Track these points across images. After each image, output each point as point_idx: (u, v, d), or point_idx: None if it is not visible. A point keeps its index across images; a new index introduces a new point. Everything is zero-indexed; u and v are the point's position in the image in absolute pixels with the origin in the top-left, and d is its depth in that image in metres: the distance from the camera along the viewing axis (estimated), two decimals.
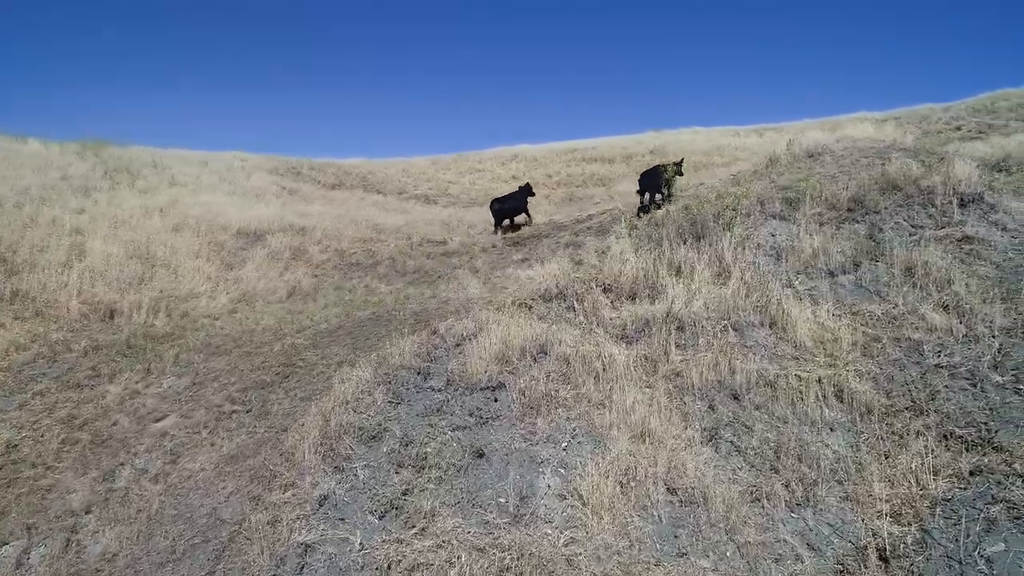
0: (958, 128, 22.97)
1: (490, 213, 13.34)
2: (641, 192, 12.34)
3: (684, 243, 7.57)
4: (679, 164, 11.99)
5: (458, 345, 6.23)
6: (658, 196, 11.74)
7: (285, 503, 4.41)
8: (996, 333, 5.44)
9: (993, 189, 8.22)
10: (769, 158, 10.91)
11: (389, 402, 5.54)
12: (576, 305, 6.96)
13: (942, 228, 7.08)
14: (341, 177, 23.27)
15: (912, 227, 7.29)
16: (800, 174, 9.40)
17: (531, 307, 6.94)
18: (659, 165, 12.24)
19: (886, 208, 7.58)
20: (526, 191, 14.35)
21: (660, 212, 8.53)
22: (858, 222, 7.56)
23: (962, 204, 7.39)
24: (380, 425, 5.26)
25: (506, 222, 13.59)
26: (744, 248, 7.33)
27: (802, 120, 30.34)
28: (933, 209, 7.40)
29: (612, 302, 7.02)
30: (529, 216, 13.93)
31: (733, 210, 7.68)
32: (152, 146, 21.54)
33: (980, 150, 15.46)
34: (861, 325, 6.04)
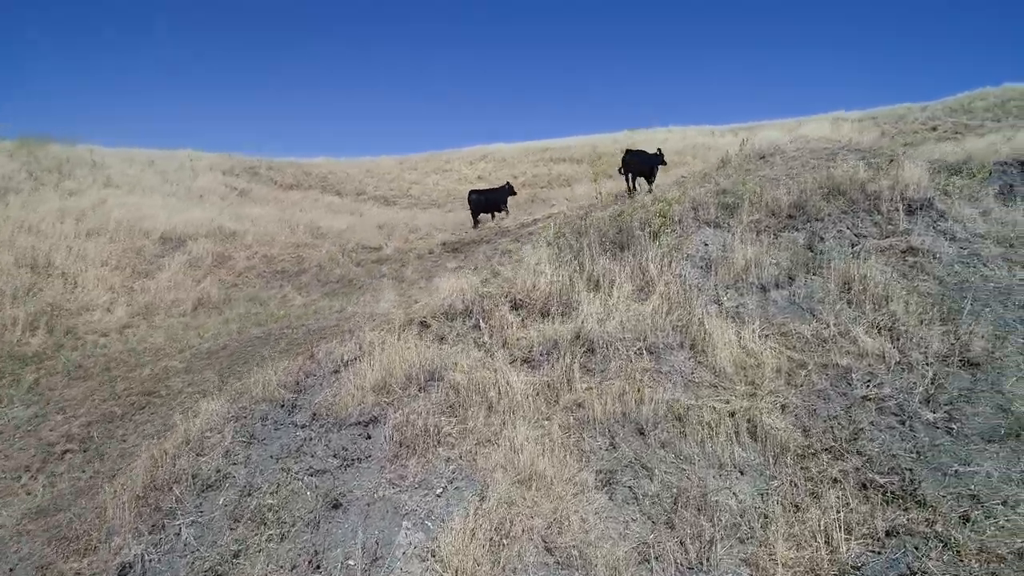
0: (934, 128, 22.54)
1: (468, 205, 13.32)
2: (625, 173, 11.84)
3: (607, 254, 6.90)
4: (658, 155, 11.84)
5: (335, 372, 5.53)
6: (649, 182, 11.55)
7: (77, 575, 3.68)
8: (931, 360, 4.81)
9: (948, 194, 7.64)
10: (721, 159, 10.30)
11: (241, 442, 4.82)
12: (482, 323, 6.28)
13: (887, 238, 6.46)
14: (300, 178, 22.45)
15: (855, 236, 6.67)
16: (748, 176, 8.77)
17: (430, 326, 6.25)
18: (646, 152, 11.89)
19: (829, 215, 6.96)
20: (507, 190, 14.27)
21: (584, 220, 7.86)
22: (798, 230, 6.93)
23: (910, 211, 6.78)
24: (221, 471, 4.54)
25: (483, 217, 13.74)
26: (672, 259, 6.68)
27: (780, 119, 29.89)
28: (879, 216, 6.79)
29: (522, 320, 6.33)
30: (507, 212, 13.69)
31: (662, 217, 7.02)
32: (105, 145, 20.66)
33: (947, 151, 14.99)
34: (788, 348, 5.39)
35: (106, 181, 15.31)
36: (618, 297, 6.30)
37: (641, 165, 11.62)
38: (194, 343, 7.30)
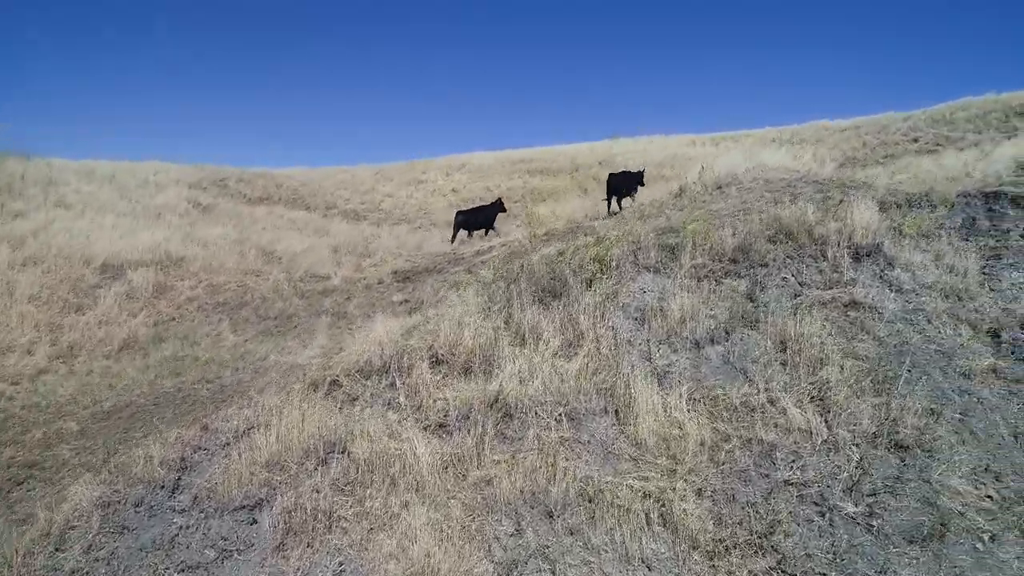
0: (915, 140, 22.34)
1: (453, 223, 13.33)
2: (608, 196, 12.33)
3: (539, 302, 6.54)
4: (639, 173, 12.64)
5: (227, 445, 5.13)
6: (625, 200, 12.05)
7: None
8: (859, 440, 4.46)
9: (902, 233, 7.31)
10: (680, 187, 9.95)
11: (109, 533, 4.43)
12: (398, 382, 5.90)
13: (830, 288, 6.12)
14: (270, 190, 22.01)
15: (799, 285, 6.33)
16: (698, 210, 8.43)
17: (342, 384, 5.87)
18: (628, 172, 12.51)
19: (774, 260, 6.61)
20: (496, 207, 14.07)
21: (515, 263, 7.48)
22: (741, 276, 6.58)
23: (857, 258, 6.45)
24: (79, 570, 4.14)
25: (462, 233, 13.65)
26: (606, 310, 6.32)
27: (763, 128, 29.65)
28: (825, 264, 6.45)
29: (443, 377, 5.96)
30: (496, 232, 13.37)
31: (598, 263, 6.66)
32: (71, 157, 20.21)
33: (925, 169, 14.73)
34: (714, 418, 5.04)
35: (58, 200, 14.84)
36: (544, 353, 5.94)
37: (622, 186, 12.09)
38: (102, 396, 6.90)
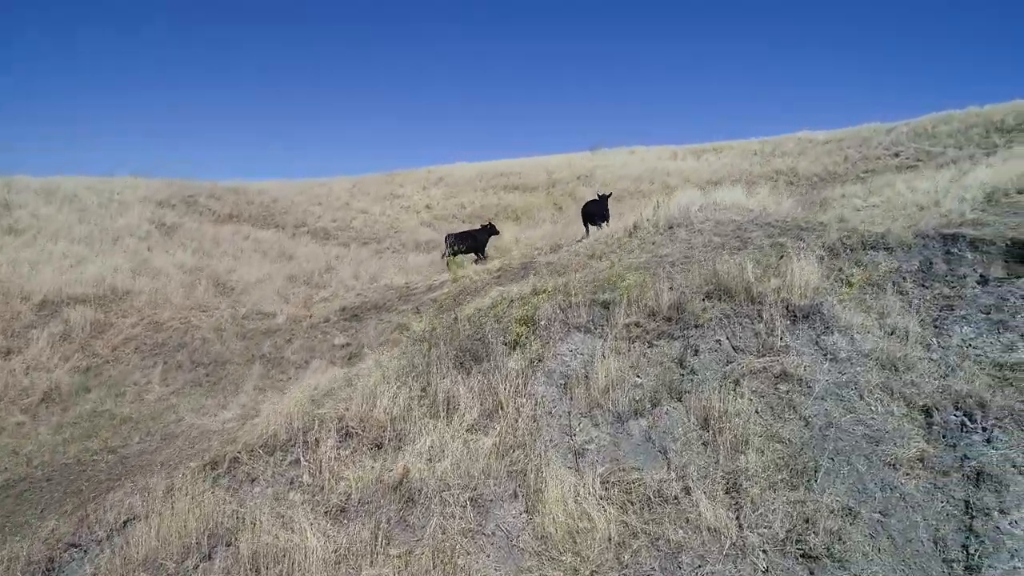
0: (896, 154, 22.12)
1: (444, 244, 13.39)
2: (585, 222, 12.74)
3: (461, 367, 6.22)
4: (606, 198, 12.74)
5: (103, 541, 4.80)
6: (603, 224, 12.20)
7: None
8: (767, 546, 4.16)
9: (850, 284, 7.03)
10: (634, 224, 9.64)
11: None
12: (303, 459, 5.58)
13: (763, 356, 5.83)
14: (240, 207, 21.65)
15: (733, 350, 6.03)
16: (646, 254, 8.14)
17: (243, 463, 5.54)
18: (603, 198, 12.73)
19: (709, 321, 6.31)
20: (488, 230, 14.02)
21: (446, 316, 7.15)
22: (675, 338, 6.28)
23: (794, 319, 6.15)
24: None
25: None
26: (530, 376, 6.01)
27: (747, 139, 29.40)
28: (761, 326, 6.15)
29: (352, 453, 5.65)
30: (485, 256, 13.31)
31: (524, 325, 6.35)
32: (36, 174, 19.81)
33: (898, 192, 14.46)
34: (623, 511, 4.73)
35: (10, 226, 14.47)
36: (458, 428, 5.63)
37: (595, 214, 12.50)
38: (2, 465, 6.56)
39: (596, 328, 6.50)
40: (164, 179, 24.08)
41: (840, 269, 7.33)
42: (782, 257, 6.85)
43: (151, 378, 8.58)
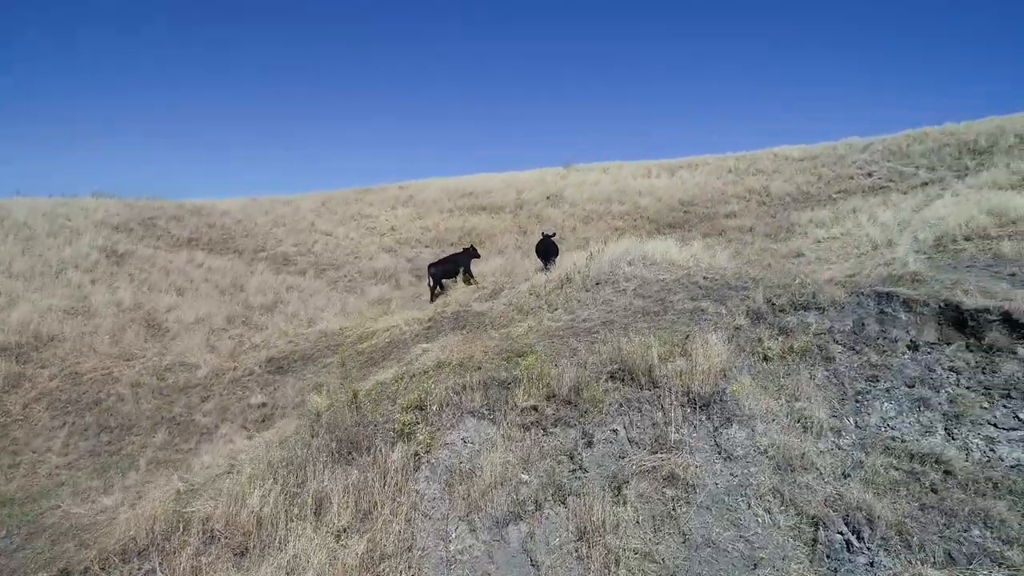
0: (869, 174, 21.88)
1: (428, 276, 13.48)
2: (539, 257, 13.09)
3: (342, 459, 5.89)
4: (550, 236, 13.21)
5: None
6: (554, 260, 12.61)
7: None
8: None
9: (768, 359, 6.75)
10: (567, 275, 9.32)
11: None
12: (160, 569, 5.23)
13: (656, 452, 5.52)
14: (201, 230, 21.28)
15: (628, 443, 5.72)
16: (567, 315, 7.82)
17: (96, 575, 5.19)
18: (547, 238, 13.20)
19: (608, 407, 6.01)
20: (470, 253, 14.15)
21: (334, 401, 6.79)
22: (571, 425, 5.97)
23: (695, 407, 5.84)
24: None
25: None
26: (412, 471, 5.69)
27: (723, 154, 29.14)
28: (659, 415, 5.84)
29: (214, 560, 5.30)
30: (473, 279, 13.35)
31: (418, 408, 6.03)
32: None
33: (859, 224, 14.20)
34: None
35: None
36: (327, 532, 5.30)
37: (550, 251, 12.90)
38: None
39: (492, 413, 6.18)
40: (127, 199, 23.74)
41: (759, 339, 7.03)
42: (687, 337, 6.53)
43: (52, 445, 8.22)
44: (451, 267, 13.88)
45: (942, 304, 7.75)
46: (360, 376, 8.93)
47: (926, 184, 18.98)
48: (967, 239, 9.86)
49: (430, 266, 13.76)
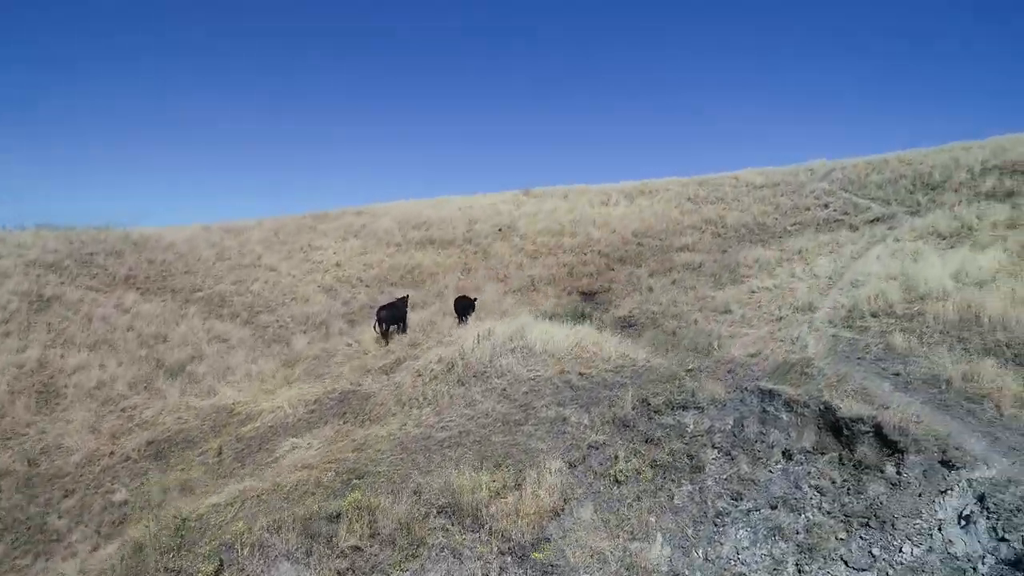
0: (826, 206, 21.55)
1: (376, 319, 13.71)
2: (456, 313, 14.23)
3: None
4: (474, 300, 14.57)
5: None
6: (470, 314, 13.95)
7: None
8: None
9: (619, 482, 6.41)
10: (451, 362, 8.95)
11: None
12: None
13: None
14: (140, 267, 20.85)
15: None
16: (426, 422, 7.46)
17: None
18: (465, 298, 14.55)
19: (431, 549, 5.66)
20: (406, 301, 14.71)
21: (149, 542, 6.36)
22: (387, 575, 5.58)
23: (515, 557, 5.47)
24: None
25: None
26: None
27: (688, 176, 28.87)
28: (478, 565, 5.47)
29: None
30: (405, 329, 13.96)
31: (231, 546, 5.65)
32: None
33: (795, 277, 13.87)
34: None
35: None
36: None
37: (467, 308, 14.14)
38: None
39: (308, 556, 5.80)
40: (72, 230, 23.32)
41: (614, 458, 6.67)
42: (521, 470, 6.16)
43: None
44: (397, 313, 14.15)
45: (822, 407, 7.41)
46: (229, 471, 8.57)
47: (876, 220, 18.68)
48: (873, 315, 9.53)
49: (379, 309, 13.94)
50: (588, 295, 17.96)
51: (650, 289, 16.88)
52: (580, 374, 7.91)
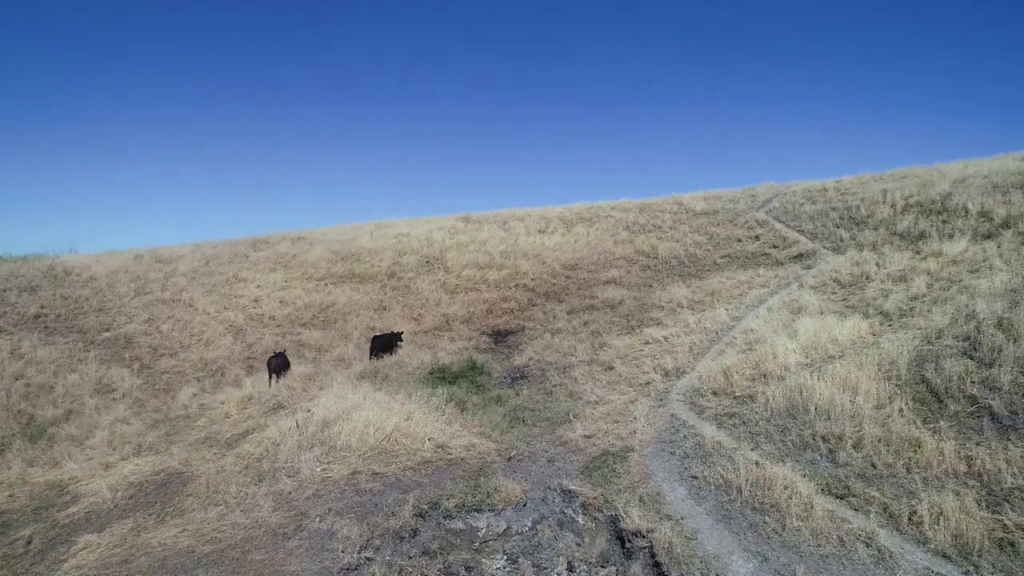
0: (757, 238, 21.30)
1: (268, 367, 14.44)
2: (371, 354, 15.06)
3: None
4: (400, 335, 15.83)
5: None
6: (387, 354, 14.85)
7: None
8: None
9: None
10: (265, 450, 8.64)
11: None
12: None
13: None
14: (53, 303, 20.55)
15: None
16: (213, 535, 7.16)
17: None
18: (390, 333, 15.77)
19: None
20: (284, 356, 14.98)
21: None
22: None
23: None
24: None
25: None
26: None
27: (632, 199, 28.68)
28: None
29: None
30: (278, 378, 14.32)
31: None
32: None
33: (688, 329, 13.57)
34: None
35: None
36: None
37: (384, 346, 14.99)
38: None
39: None
40: (30, 255, 23.09)
41: None
42: None
43: None
44: (283, 362, 14.61)
45: (611, 516, 7.14)
46: (26, 568, 8.24)
47: (799, 256, 18.45)
48: (715, 393, 9.25)
49: (271, 357, 14.57)
50: (500, 335, 17.69)
51: (558, 332, 16.59)
52: (374, 474, 7.60)
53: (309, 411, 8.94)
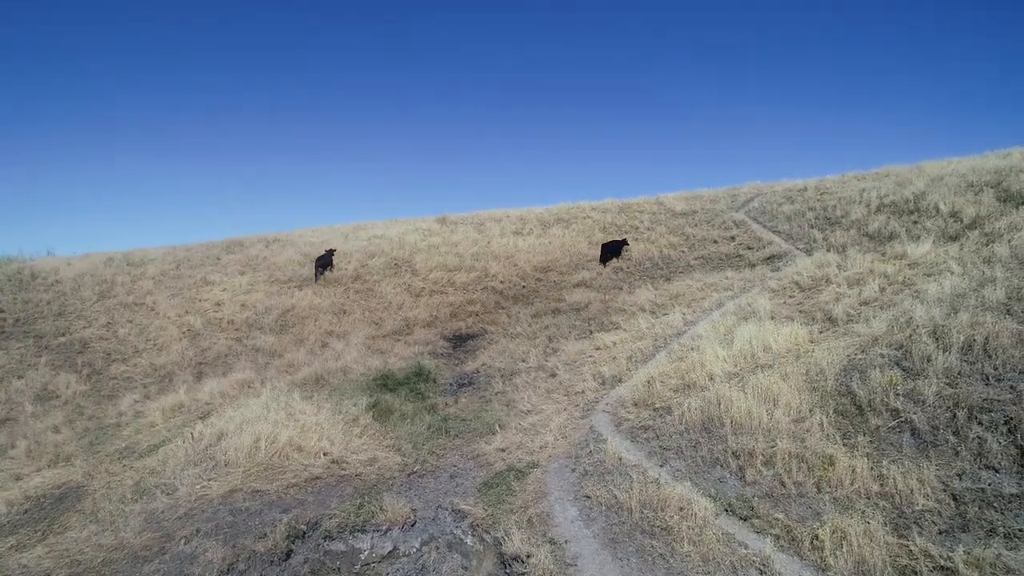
0: (732, 238, 20.74)
1: None
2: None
3: None
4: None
5: None
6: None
7: None
8: None
9: None
10: (157, 464, 8.29)
11: None
12: None
13: None
14: (15, 306, 20.44)
15: None
16: (71, 549, 6.81)
17: None
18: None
19: None
20: None
21: None
22: None
23: None
24: None
25: None
26: None
27: (610, 199, 28.17)
28: None
29: None
30: None
31: None
32: None
33: (638, 333, 13.11)
34: None
35: None
36: None
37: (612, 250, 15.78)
38: None
39: None
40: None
41: None
42: None
43: None
44: None
45: (497, 538, 6.71)
46: None
47: (771, 258, 17.91)
48: (636, 404, 8.81)
49: None
50: (460, 340, 17.27)
51: (516, 336, 16.17)
52: (254, 492, 7.22)
53: (205, 422, 8.58)
